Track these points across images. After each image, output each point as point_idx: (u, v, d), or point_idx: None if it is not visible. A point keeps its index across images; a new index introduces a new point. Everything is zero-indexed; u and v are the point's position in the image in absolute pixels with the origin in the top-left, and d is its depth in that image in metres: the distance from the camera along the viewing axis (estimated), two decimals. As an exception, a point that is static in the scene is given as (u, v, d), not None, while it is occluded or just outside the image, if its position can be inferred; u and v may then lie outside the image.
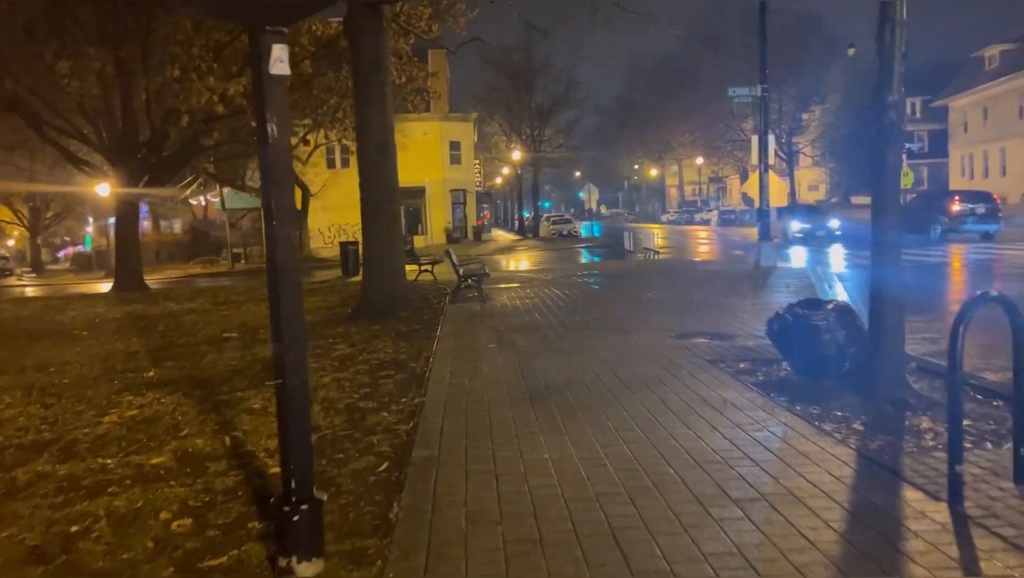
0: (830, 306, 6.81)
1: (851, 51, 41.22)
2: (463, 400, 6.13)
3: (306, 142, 36.72)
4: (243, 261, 44.55)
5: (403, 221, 43.80)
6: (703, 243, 35.94)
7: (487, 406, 5.92)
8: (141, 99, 20.22)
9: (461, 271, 12.94)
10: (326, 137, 30.30)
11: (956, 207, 26.51)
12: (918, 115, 60.71)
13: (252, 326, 12.13)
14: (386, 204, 12.04)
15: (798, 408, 5.72)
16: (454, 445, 4.96)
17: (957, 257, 19.52)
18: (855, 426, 5.27)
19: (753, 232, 46.42)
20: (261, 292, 19.26)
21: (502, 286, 15.67)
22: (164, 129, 19.95)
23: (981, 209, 26.12)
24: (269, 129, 3.20)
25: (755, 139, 17.55)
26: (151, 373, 8.41)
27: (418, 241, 41.50)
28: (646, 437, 5.04)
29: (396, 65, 19.87)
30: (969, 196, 27.63)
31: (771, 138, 17.30)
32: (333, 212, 43.71)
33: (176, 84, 17.60)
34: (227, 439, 5.42)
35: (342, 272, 25.08)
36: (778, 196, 17.52)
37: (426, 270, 18.64)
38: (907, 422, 5.36)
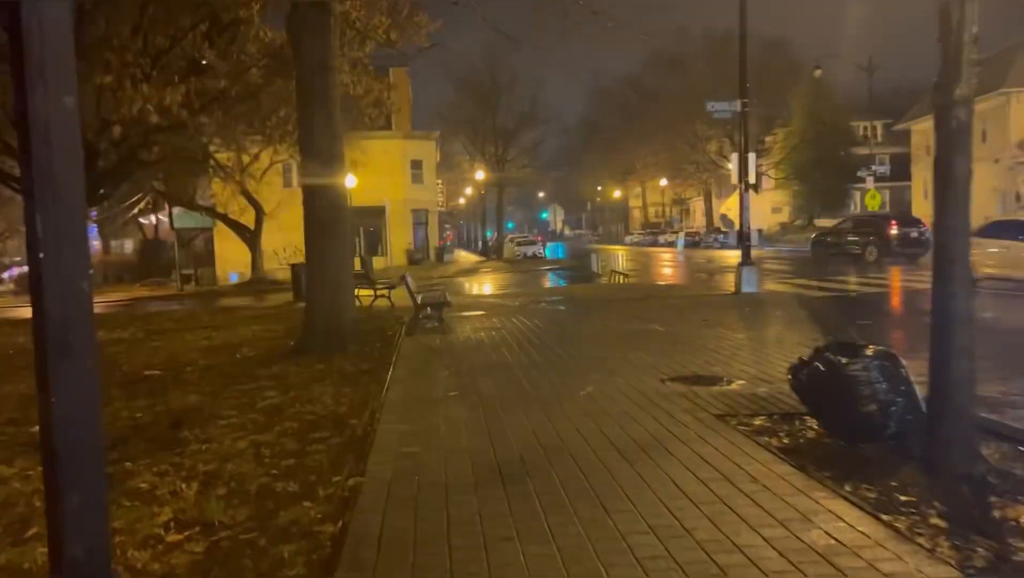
0: (869, 352, 5.54)
1: (817, 72, 40.92)
2: (413, 481, 4.69)
3: (259, 158, 35.11)
4: (194, 283, 42.48)
5: (361, 242, 42.29)
6: (670, 266, 34.98)
7: (445, 491, 4.48)
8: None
9: (419, 299, 11.49)
10: (275, 151, 28.70)
11: (893, 231, 25.95)
12: (879, 139, 61.05)
13: (179, 362, 10.56)
14: (333, 223, 10.60)
15: (848, 489, 4.41)
16: (395, 565, 3.52)
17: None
18: (934, 521, 3.96)
19: (719, 255, 46.10)
20: (202, 319, 17.58)
21: (465, 314, 14.27)
22: (95, 142, 18.24)
23: (914, 233, 25.65)
24: None
25: (734, 157, 16.49)
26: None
27: (378, 262, 39.91)
28: (663, 545, 3.66)
29: (352, 75, 18.49)
30: (904, 220, 27.47)
31: (752, 157, 16.26)
32: (289, 232, 41.63)
33: (109, 93, 15.97)
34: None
35: (293, 296, 23.43)
36: (760, 216, 16.39)
37: (382, 296, 17.15)
38: (999, 512, 4.08)
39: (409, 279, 11.76)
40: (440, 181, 62.14)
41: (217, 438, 5.96)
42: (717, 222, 72.85)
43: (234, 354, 11.08)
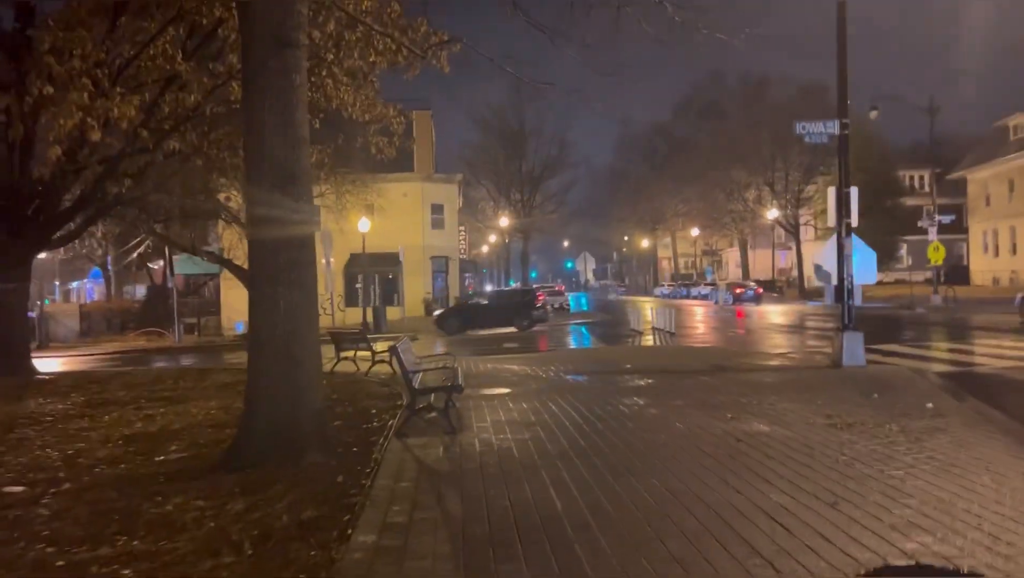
0: None
1: (874, 113, 37.50)
2: None
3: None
4: (197, 333, 39.38)
5: (375, 290, 38.91)
6: (721, 326, 31.19)
7: None
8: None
9: (417, 381, 7.87)
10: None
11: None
12: (926, 188, 57.23)
13: (74, 467, 7.26)
14: (290, 267, 7.15)
15: None
16: None
17: None
18: None
19: (766, 310, 42.05)
20: (166, 383, 14.14)
21: (484, 392, 10.69)
22: (33, 173, 15.06)
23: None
24: None
25: (831, 192, 12.95)
26: None
27: (392, 313, 36.54)
28: None
29: (349, 90, 15.25)
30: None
31: (854, 191, 12.73)
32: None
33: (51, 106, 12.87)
34: None
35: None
36: (867, 270, 12.79)
37: (382, 360, 13.66)
38: None
39: (403, 350, 8.18)
40: (462, 228, 59.16)
41: None
42: (755, 273, 68.98)
43: (155, 456, 7.66)
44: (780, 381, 11.30)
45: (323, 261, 28.37)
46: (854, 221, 12.79)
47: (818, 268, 13.15)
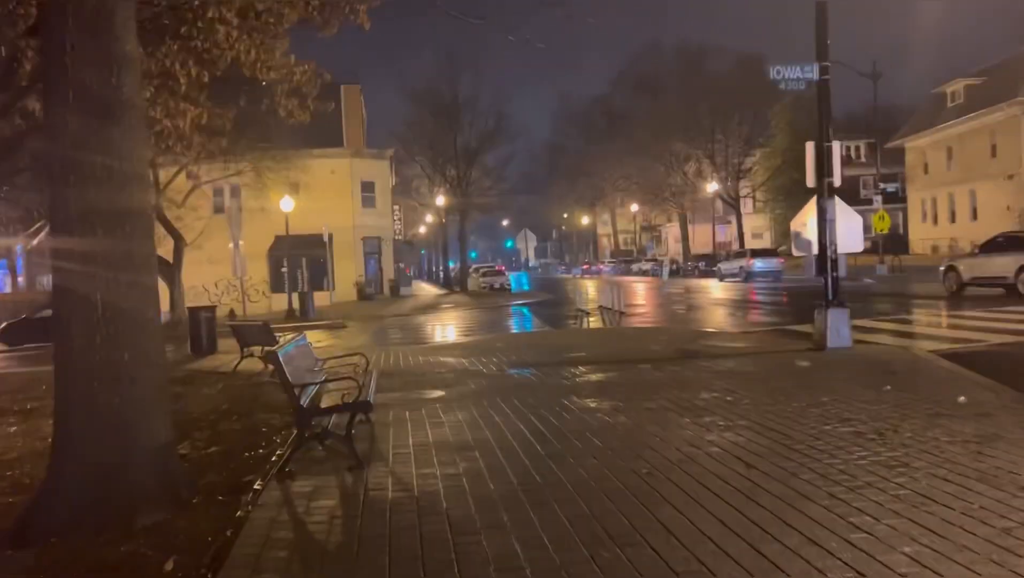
0: None
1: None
2: None
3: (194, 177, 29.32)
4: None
5: (302, 274, 36.23)
6: (662, 300, 29.71)
7: None
8: None
9: (306, 397, 5.66)
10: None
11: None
12: (863, 158, 57.17)
13: None
14: (113, 238, 4.96)
15: None
16: None
17: None
18: None
19: (702, 284, 40.66)
20: (33, 392, 11.62)
21: (412, 396, 8.64)
22: None
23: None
24: None
25: (809, 147, 11.23)
26: None
27: (321, 299, 33.98)
28: None
29: (248, 39, 12.84)
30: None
31: (836, 146, 11.05)
32: (220, 264, 35.45)
33: None
34: None
35: (191, 348, 17.58)
36: (852, 236, 11.12)
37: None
38: None
39: (292, 355, 6.01)
40: (397, 207, 56.47)
41: None
42: (695, 248, 68.25)
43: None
44: (762, 369, 9.55)
45: (231, 245, 25.68)
46: (836, 180, 11.10)
47: (796, 236, 11.43)
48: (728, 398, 7.65)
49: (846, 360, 9.86)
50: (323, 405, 5.80)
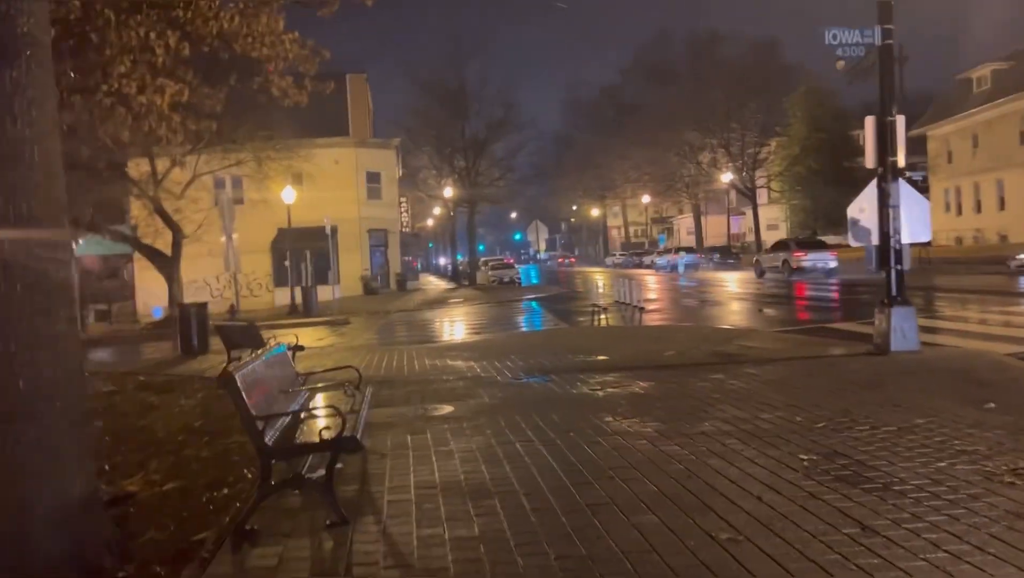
0: None
1: (841, 64, 34.74)
2: None
3: (182, 166, 28.03)
4: (109, 321, 34.86)
5: (306, 268, 34.96)
6: (685, 296, 28.30)
7: None
8: None
9: (271, 435, 4.27)
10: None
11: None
12: (882, 148, 55.30)
13: None
14: (18, 255, 3.65)
15: None
16: None
17: None
18: None
19: (719, 277, 39.01)
20: None
21: (417, 413, 7.33)
22: None
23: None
24: None
25: (869, 122, 9.86)
26: None
27: (324, 293, 32.71)
28: None
29: (235, 11, 11.54)
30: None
31: (901, 120, 9.70)
32: (220, 258, 34.22)
33: None
34: None
35: (180, 348, 16.35)
36: (919, 224, 9.75)
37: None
38: None
39: (259, 376, 4.68)
40: (404, 199, 55.09)
41: None
42: (708, 240, 66.65)
43: None
44: (822, 378, 8.20)
45: (223, 238, 24.46)
46: (900, 160, 9.72)
47: (854, 223, 10.03)
48: (797, 418, 6.31)
49: (918, 367, 8.49)
50: (298, 439, 4.48)
